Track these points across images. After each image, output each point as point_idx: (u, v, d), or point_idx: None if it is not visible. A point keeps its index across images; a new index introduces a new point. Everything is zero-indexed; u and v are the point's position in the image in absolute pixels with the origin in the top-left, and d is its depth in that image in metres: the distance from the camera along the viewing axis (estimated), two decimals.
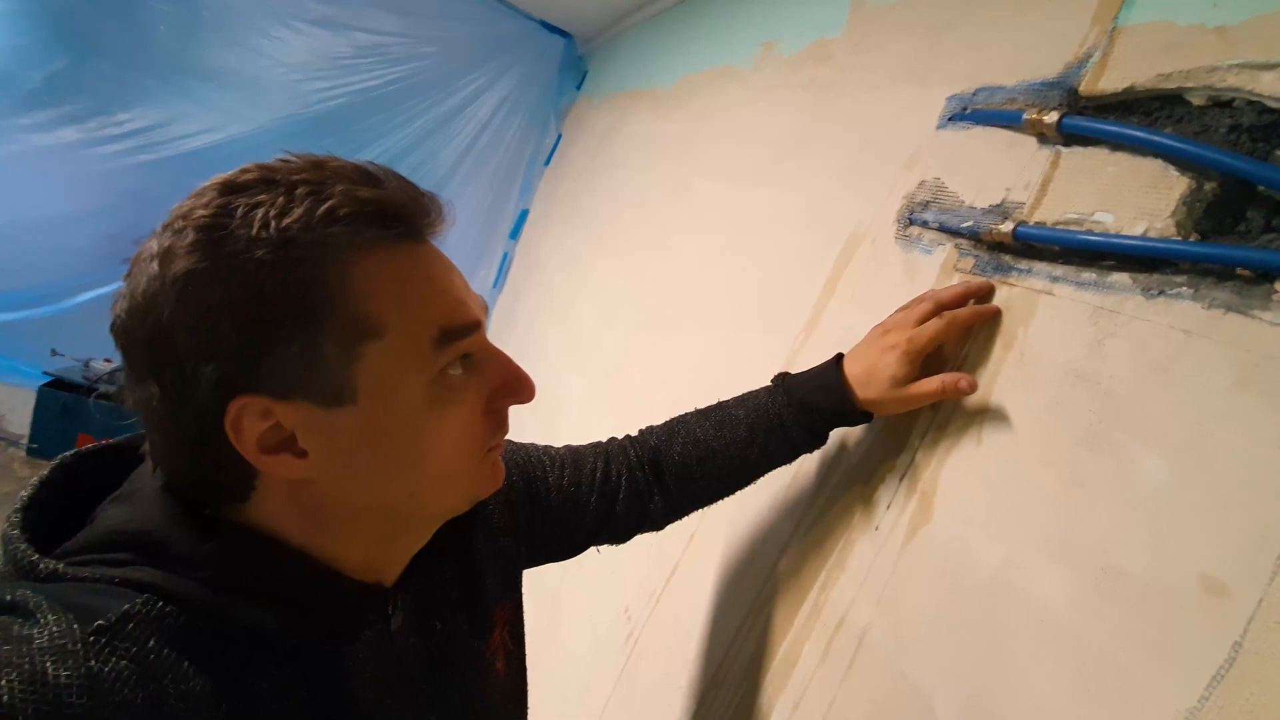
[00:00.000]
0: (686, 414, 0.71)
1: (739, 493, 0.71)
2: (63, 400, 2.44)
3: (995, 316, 0.60)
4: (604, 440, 0.71)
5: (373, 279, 0.37)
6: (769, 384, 0.68)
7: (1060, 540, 0.49)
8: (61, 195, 2.51)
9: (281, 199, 0.36)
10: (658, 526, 0.70)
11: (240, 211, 0.36)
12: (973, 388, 0.59)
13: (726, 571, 0.85)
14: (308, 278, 0.36)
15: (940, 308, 0.62)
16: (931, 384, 0.60)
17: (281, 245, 0.35)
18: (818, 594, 0.69)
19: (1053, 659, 0.47)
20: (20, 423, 2.56)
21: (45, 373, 2.50)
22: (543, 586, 1.29)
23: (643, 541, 0.72)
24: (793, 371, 0.68)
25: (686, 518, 0.72)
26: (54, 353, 2.55)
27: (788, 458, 0.68)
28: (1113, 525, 0.46)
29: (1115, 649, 0.43)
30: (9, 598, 0.33)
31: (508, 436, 0.47)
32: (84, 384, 2.46)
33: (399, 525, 0.44)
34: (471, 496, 0.46)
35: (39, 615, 0.32)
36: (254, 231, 0.35)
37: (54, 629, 0.32)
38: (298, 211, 0.36)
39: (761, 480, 0.71)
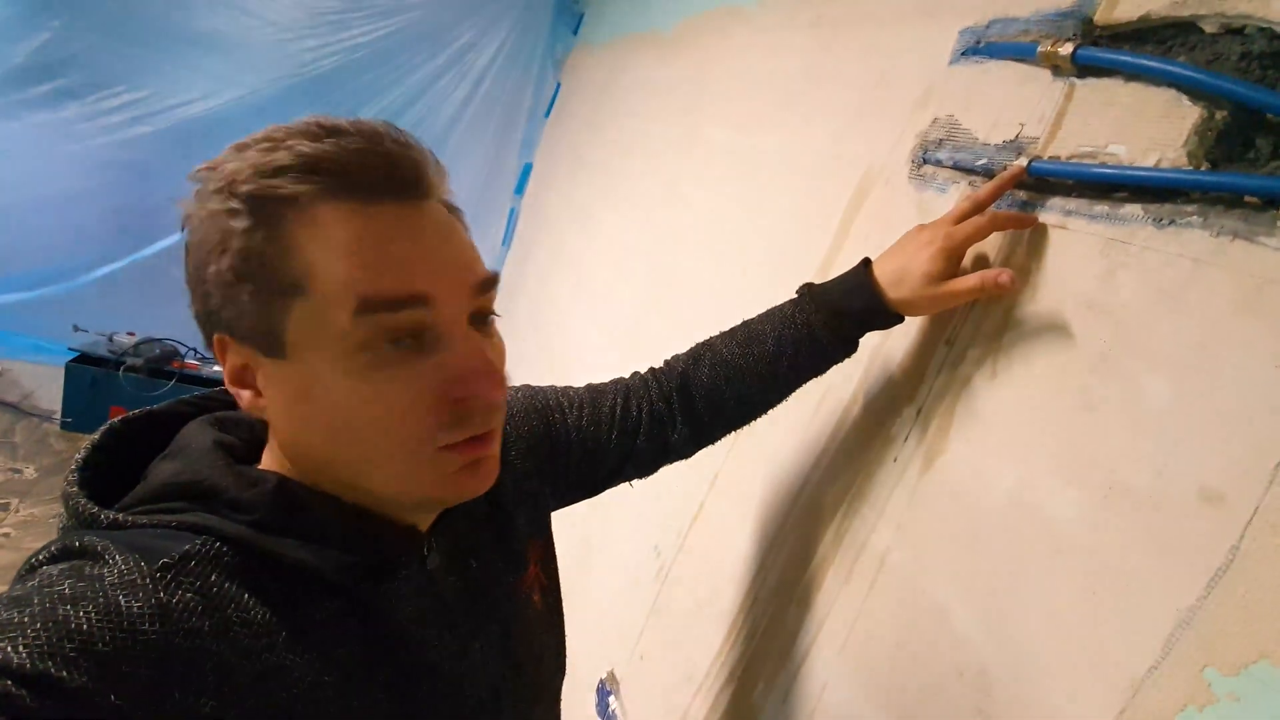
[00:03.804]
0: (712, 337, 0.70)
1: (760, 430, 0.74)
2: (91, 374, 2.49)
3: (1034, 223, 0.59)
4: (626, 376, 0.71)
5: (303, 234, 0.37)
6: (794, 295, 0.67)
7: (1071, 462, 0.52)
8: (66, 172, 2.51)
9: (249, 154, 0.38)
10: (685, 455, 0.70)
11: (221, 166, 0.39)
12: (1013, 283, 0.57)
13: (750, 507, 0.89)
14: (241, 228, 0.38)
15: (978, 206, 0.61)
16: (969, 280, 0.59)
17: (227, 198, 0.38)
18: (839, 523, 0.73)
19: (1063, 569, 0.50)
20: (49, 399, 2.62)
21: (70, 349, 2.54)
22: (572, 529, 1.35)
23: (668, 482, 0.75)
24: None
25: (711, 460, 0.74)
26: (76, 328, 2.59)
27: (818, 369, 0.67)
28: (1121, 446, 0.49)
29: (1121, 557, 0.47)
30: (77, 544, 0.36)
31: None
32: (110, 358, 2.50)
33: (377, 500, 0.43)
34: (433, 495, 0.43)
35: (107, 557, 0.35)
36: (214, 185, 0.38)
37: (122, 567, 0.35)
38: (247, 166, 0.38)
39: (782, 418, 0.73)
